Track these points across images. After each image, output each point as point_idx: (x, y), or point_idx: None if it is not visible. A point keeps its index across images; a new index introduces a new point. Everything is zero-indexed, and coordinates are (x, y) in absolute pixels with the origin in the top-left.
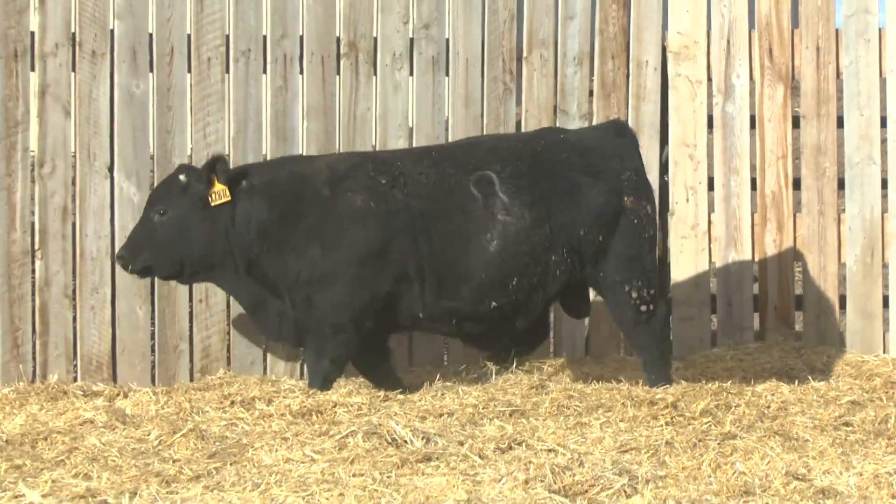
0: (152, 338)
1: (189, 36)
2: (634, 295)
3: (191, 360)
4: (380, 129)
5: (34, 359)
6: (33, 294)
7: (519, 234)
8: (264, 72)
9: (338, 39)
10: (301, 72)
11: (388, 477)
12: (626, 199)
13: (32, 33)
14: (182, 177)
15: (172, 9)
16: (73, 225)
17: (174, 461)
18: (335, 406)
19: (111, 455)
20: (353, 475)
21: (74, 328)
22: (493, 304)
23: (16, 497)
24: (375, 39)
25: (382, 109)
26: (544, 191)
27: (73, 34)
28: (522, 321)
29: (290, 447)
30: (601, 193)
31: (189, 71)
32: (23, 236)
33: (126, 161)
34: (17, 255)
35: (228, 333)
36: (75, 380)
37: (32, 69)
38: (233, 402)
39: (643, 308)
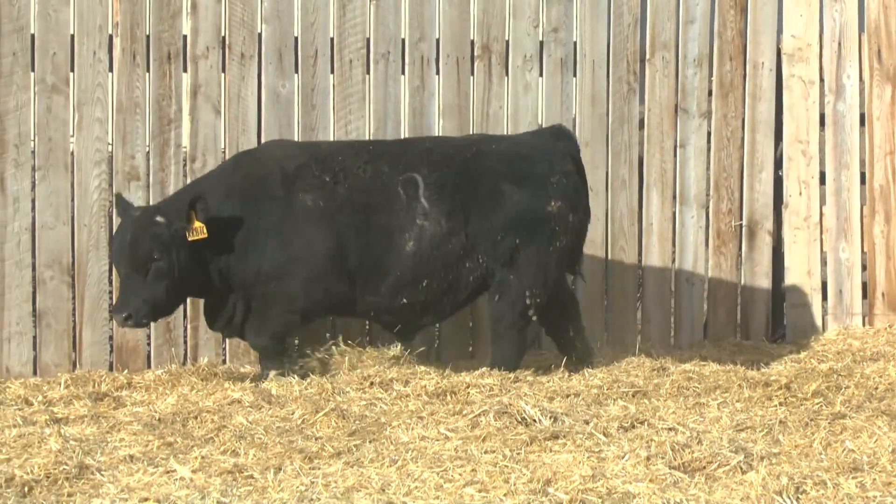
0: None
1: (332, 39)
2: (528, 302)
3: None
4: (511, 126)
5: (185, 342)
6: None
7: (434, 239)
8: (403, 73)
9: (472, 42)
10: (437, 73)
11: (518, 454)
12: (551, 203)
13: (185, 37)
14: (159, 218)
15: (317, 13)
16: None
17: (316, 439)
18: (468, 387)
19: (257, 433)
20: (485, 452)
21: None
22: (405, 300)
23: (167, 472)
24: (507, 42)
25: (513, 108)
26: (465, 199)
27: (223, 37)
28: (431, 319)
29: (426, 426)
30: (523, 201)
31: (332, 72)
32: None
33: None
34: None
35: (367, 322)
36: (224, 362)
37: (185, 70)
38: (372, 384)
39: (530, 313)
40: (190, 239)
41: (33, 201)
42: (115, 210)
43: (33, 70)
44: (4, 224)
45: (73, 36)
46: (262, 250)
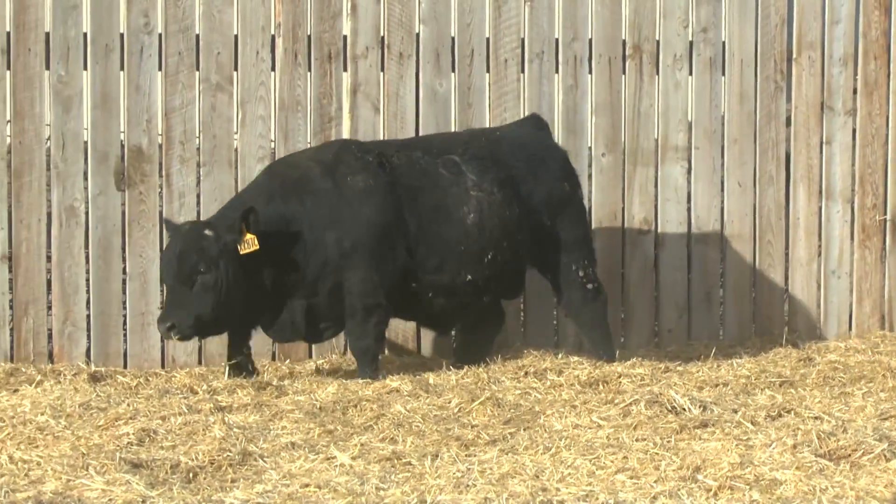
0: None
1: (488, 39)
2: (581, 274)
3: None
4: (661, 124)
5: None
6: None
7: (492, 208)
8: (556, 72)
9: (623, 42)
10: (590, 72)
11: (668, 441)
12: (565, 185)
13: (345, 37)
14: (207, 231)
15: (473, 14)
16: None
17: (472, 426)
18: (620, 377)
19: (415, 421)
20: (636, 440)
21: None
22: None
23: (328, 459)
24: (658, 42)
25: (664, 106)
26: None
27: (382, 38)
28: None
29: (579, 414)
30: (547, 181)
31: (487, 71)
32: None
33: None
34: None
35: (523, 311)
36: (382, 351)
37: (345, 69)
38: (526, 373)
39: (589, 286)
40: (242, 252)
41: (198, 196)
42: (165, 229)
43: (198, 69)
44: (171, 218)
45: (236, 36)
46: (323, 244)
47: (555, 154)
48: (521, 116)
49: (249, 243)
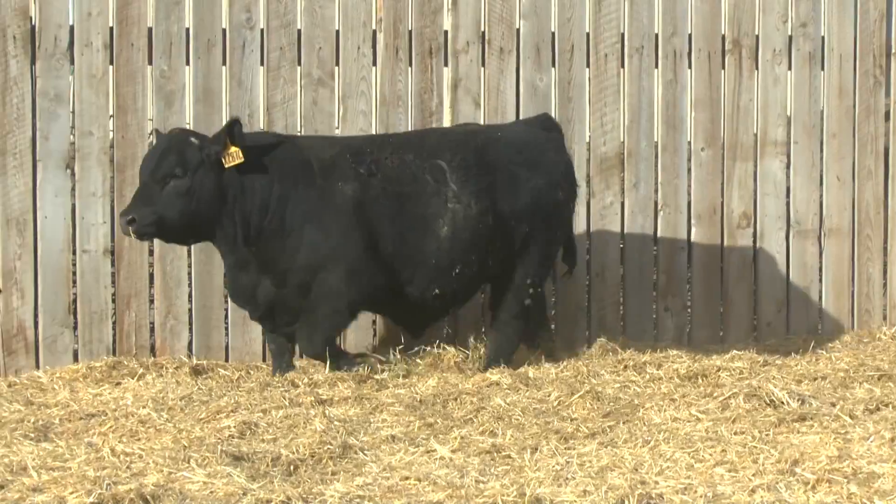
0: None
1: (588, 34)
2: (531, 291)
3: (588, 328)
4: (760, 118)
5: (445, 328)
6: None
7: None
8: (656, 66)
9: (723, 37)
10: (689, 66)
11: (766, 435)
12: (560, 193)
13: (445, 32)
14: (193, 139)
15: (573, 9)
16: None
17: (572, 420)
18: (719, 370)
19: (515, 414)
20: (735, 433)
21: None
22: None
23: (428, 452)
24: (757, 37)
25: (763, 101)
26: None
27: (483, 33)
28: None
29: (678, 407)
30: (539, 187)
31: (587, 66)
32: None
33: None
34: None
35: (622, 304)
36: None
37: (445, 65)
38: (626, 367)
39: (527, 302)
40: (227, 165)
41: None
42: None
43: (300, 64)
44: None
45: (338, 31)
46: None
47: (556, 159)
48: (622, 111)
49: (234, 156)
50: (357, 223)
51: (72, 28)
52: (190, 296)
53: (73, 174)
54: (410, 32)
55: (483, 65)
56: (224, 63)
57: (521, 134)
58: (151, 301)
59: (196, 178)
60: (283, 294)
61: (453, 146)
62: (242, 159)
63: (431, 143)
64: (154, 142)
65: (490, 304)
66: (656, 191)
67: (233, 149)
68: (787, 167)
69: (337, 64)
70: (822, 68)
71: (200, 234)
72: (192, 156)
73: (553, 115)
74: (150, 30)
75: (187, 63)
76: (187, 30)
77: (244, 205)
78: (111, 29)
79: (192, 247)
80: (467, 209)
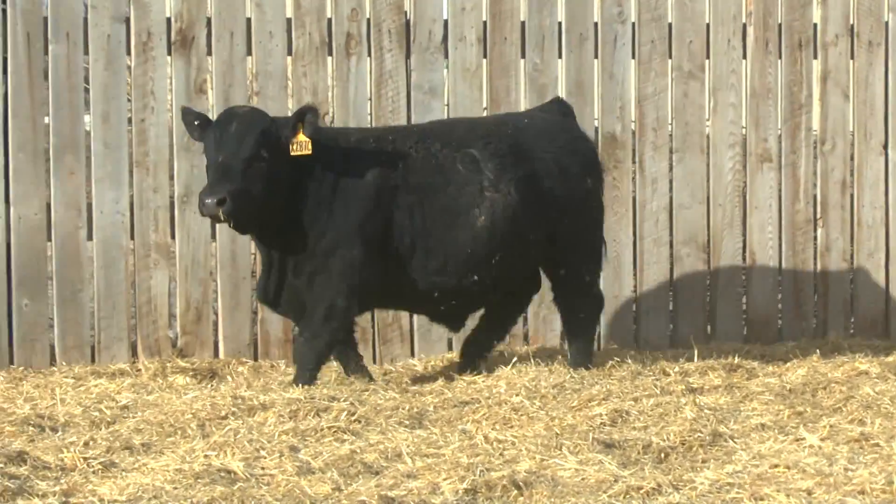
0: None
1: None
2: (587, 279)
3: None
4: None
5: (815, 316)
6: (815, 258)
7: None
8: None
9: None
10: None
11: None
12: (588, 181)
13: (815, 25)
14: (271, 119)
15: None
16: (851, 196)
17: None
18: None
19: (883, 403)
20: None
21: (851, 290)
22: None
23: (797, 440)
24: None
25: None
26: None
27: (851, 26)
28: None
29: None
30: (578, 174)
31: None
32: (805, 207)
33: None
34: (801, 224)
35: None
36: (852, 336)
37: (815, 57)
38: None
39: (593, 292)
40: (293, 153)
41: (670, 182)
42: (183, 119)
43: (670, 57)
44: (643, 203)
45: (708, 25)
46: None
47: (583, 147)
48: None
49: (303, 146)
50: (383, 212)
51: (445, 22)
52: None
53: None
54: (780, 25)
55: (852, 57)
56: (596, 56)
57: (547, 122)
58: None
59: (275, 161)
60: (297, 284)
61: (485, 135)
62: (310, 151)
63: (460, 133)
64: (222, 119)
65: (556, 306)
66: None
67: (302, 138)
68: None
69: (707, 57)
70: None
71: (265, 222)
72: (273, 135)
73: None
74: (522, 24)
75: (559, 56)
76: (559, 24)
77: (296, 194)
78: (484, 23)
79: None
80: (506, 197)
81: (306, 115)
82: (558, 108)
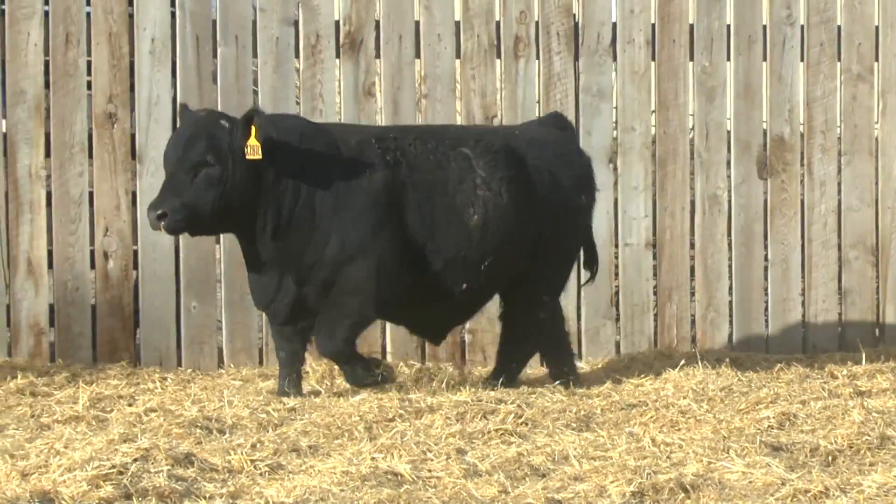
0: None
1: None
2: (545, 299)
3: None
4: None
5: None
6: None
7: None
8: None
9: None
10: None
11: None
12: (581, 197)
13: None
14: (224, 122)
15: None
16: None
17: None
18: None
19: None
20: None
21: None
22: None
23: None
24: None
25: None
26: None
27: None
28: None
29: None
30: (569, 187)
31: None
32: None
33: None
34: None
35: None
36: None
37: None
38: None
39: (541, 315)
40: (248, 157)
41: (839, 185)
42: (179, 117)
43: (839, 59)
44: (812, 206)
45: (877, 27)
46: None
47: (579, 160)
48: None
49: (255, 150)
50: (386, 212)
51: (614, 25)
52: (730, 288)
53: (615, 169)
54: None
55: None
56: (764, 59)
57: (543, 132)
58: (692, 294)
59: (228, 167)
60: (306, 291)
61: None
62: (260, 156)
63: (454, 135)
64: (180, 124)
65: (501, 316)
66: None
67: (254, 142)
68: None
69: (876, 59)
70: None
71: (230, 226)
72: (223, 141)
73: None
74: (691, 26)
75: (728, 59)
76: (728, 26)
77: (276, 194)
78: (653, 26)
79: (732, 239)
80: (497, 197)
81: (253, 119)
82: (555, 122)
